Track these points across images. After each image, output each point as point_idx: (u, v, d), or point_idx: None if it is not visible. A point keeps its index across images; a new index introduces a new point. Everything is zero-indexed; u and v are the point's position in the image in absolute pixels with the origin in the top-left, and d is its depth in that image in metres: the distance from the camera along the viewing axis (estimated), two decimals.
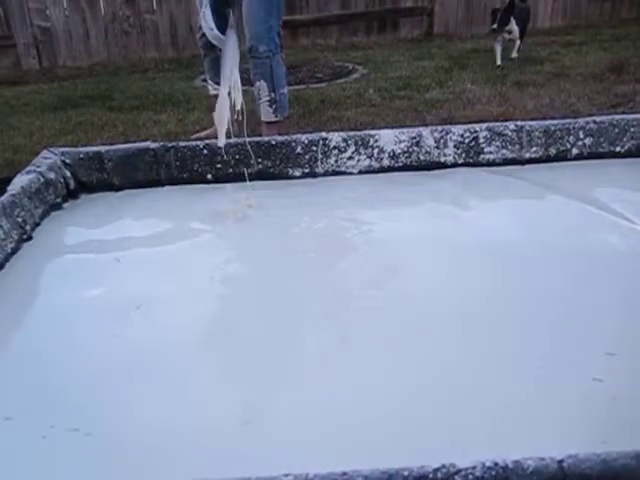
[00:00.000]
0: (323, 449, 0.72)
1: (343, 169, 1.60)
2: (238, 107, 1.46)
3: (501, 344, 0.94)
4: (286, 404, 0.81)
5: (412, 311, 1.04)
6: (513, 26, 4.26)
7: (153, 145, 1.59)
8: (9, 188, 1.35)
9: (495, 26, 4.21)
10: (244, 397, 0.83)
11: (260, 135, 2.44)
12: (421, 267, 1.18)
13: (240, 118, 1.47)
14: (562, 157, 1.62)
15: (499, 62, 4.32)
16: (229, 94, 1.45)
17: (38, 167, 1.48)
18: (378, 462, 0.55)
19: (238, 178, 1.59)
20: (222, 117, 1.46)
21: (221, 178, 1.60)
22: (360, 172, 1.60)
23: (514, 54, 4.43)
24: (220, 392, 0.85)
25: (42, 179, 1.45)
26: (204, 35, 2.85)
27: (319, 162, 1.59)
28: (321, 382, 0.86)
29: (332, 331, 0.99)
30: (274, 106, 2.73)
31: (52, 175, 1.49)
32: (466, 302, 1.05)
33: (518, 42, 4.43)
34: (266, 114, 2.75)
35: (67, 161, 1.57)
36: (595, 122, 1.62)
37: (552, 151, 1.61)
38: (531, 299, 1.06)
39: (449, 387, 0.84)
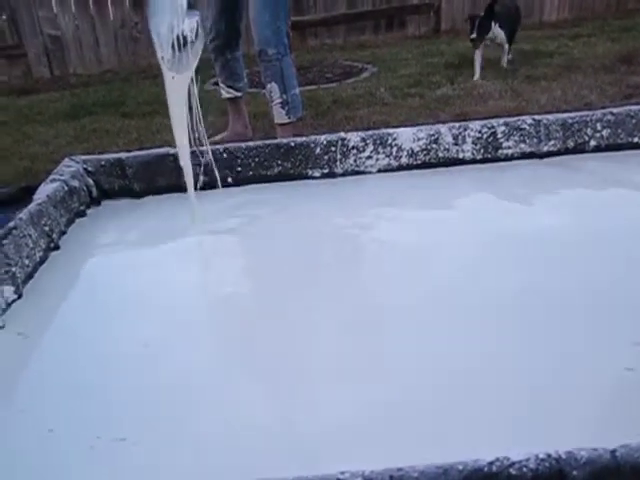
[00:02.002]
0: (360, 445, 0.73)
1: (362, 169, 1.61)
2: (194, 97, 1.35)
3: (530, 334, 0.95)
4: (323, 403, 0.82)
5: (437, 306, 1.05)
6: (496, 31, 3.82)
7: (173, 150, 1.60)
8: (35, 197, 1.37)
9: (474, 35, 3.73)
10: (281, 406, 0.84)
11: (275, 137, 2.46)
12: (445, 264, 1.19)
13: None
14: (580, 149, 1.62)
15: (477, 75, 3.87)
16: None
17: (62, 175, 1.50)
18: (412, 459, 0.56)
19: (258, 180, 1.61)
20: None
21: (241, 181, 1.61)
22: (379, 171, 1.61)
23: (504, 62, 4.01)
24: (258, 397, 0.86)
25: (66, 187, 1.47)
26: (214, 39, 2.88)
27: (338, 162, 1.60)
28: (349, 383, 0.87)
29: (353, 332, 1.00)
30: (286, 108, 2.75)
31: (75, 183, 1.51)
32: (494, 295, 1.06)
33: (506, 46, 3.98)
34: (279, 116, 2.77)
35: (89, 169, 1.59)
36: (612, 114, 1.62)
37: (570, 144, 1.62)
38: (562, 288, 1.06)
39: (478, 378, 0.85)
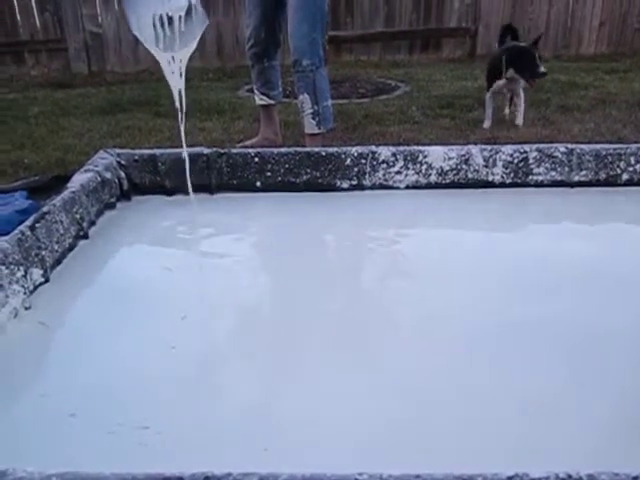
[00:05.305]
0: (369, 450, 0.74)
1: (390, 183, 1.61)
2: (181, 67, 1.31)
3: (537, 360, 0.94)
4: (337, 410, 0.82)
5: (448, 326, 1.05)
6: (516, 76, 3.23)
7: (206, 151, 1.63)
8: (69, 185, 1.39)
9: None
10: (298, 404, 0.85)
11: (304, 146, 2.48)
12: (462, 285, 1.18)
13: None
14: (612, 182, 1.60)
15: (489, 122, 3.37)
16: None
17: (96, 166, 1.52)
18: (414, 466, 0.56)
19: (286, 187, 1.62)
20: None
21: (270, 186, 1.63)
22: (407, 187, 1.61)
23: (519, 120, 3.35)
24: (274, 395, 0.87)
25: (99, 178, 1.49)
26: (253, 46, 2.92)
27: (367, 175, 1.61)
28: (364, 389, 0.88)
29: (360, 345, 1.01)
30: (317, 119, 2.77)
31: (108, 175, 1.54)
32: (503, 322, 1.05)
33: (523, 105, 3.35)
34: (309, 126, 2.79)
35: (122, 162, 1.61)
36: None
37: (602, 175, 1.60)
38: (572, 316, 1.05)
39: (487, 400, 0.85)
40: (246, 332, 1.08)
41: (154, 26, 1.29)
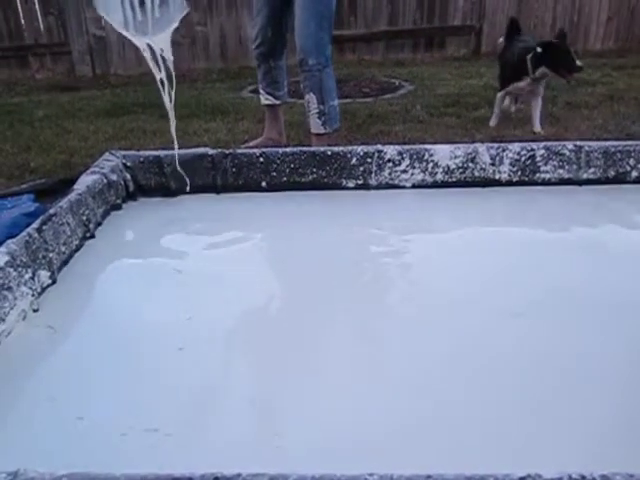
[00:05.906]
0: (380, 450, 0.73)
1: (397, 182, 1.61)
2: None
3: (546, 359, 0.94)
4: (346, 411, 0.82)
5: (446, 328, 1.04)
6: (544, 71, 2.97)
7: (211, 151, 1.63)
8: (75, 187, 1.40)
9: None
10: (307, 404, 0.84)
11: (309, 146, 2.47)
12: (461, 287, 1.17)
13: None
14: (621, 179, 1.59)
15: (495, 121, 3.25)
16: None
17: (102, 168, 1.53)
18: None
19: (292, 187, 1.61)
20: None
21: (275, 186, 1.62)
22: (413, 186, 1.61)
23: (537, 126, 3.10)
24: (283, 396, 0.86)
25: (105, 180, 1.50)
26: (259, 45, 2.91)
27: (373, 174, 1.60)
28: (368, 391, 0.87)
29: (362, 346, 1.00)
30: (323, 118, 2.76)
31: (114, 177, 1.54)
32: (509, 326, 1.04)
33: (540, 108, 3.11)
34: (315, 126, 2.77)
35: (128, 164, 1.62)
36: None
37: (611, 173, 1.59)
38: (578, 321, 1.04)
39: (493, 401, 0.85)
40: (252, 332, 1.08)
41: (122, 7, 1.30)
